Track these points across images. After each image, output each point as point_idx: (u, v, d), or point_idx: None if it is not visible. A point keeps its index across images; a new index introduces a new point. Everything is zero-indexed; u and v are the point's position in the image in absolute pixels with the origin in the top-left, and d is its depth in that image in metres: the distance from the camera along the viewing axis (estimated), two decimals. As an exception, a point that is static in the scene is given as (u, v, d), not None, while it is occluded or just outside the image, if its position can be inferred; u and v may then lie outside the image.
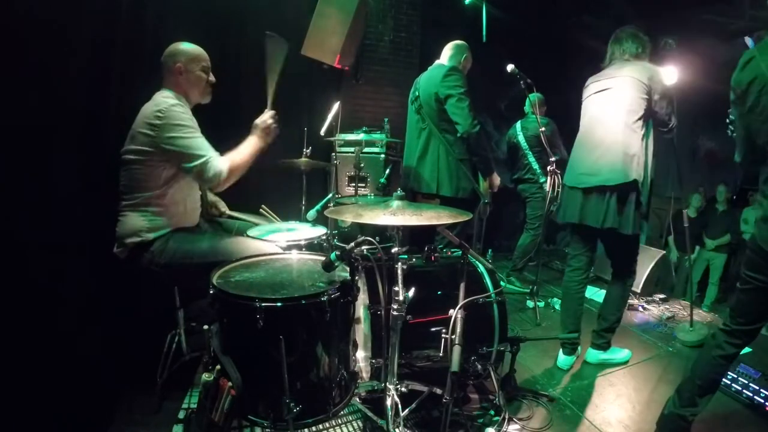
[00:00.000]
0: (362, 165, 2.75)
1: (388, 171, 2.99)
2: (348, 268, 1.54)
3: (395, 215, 1.41)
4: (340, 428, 1.76)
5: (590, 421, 1.95)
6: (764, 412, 2.02)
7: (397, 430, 1.48)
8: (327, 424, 1.74)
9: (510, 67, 2.69)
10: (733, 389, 2.16)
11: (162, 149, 1.67)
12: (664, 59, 2.83)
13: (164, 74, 1.82)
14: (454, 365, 1.33)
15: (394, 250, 1.47)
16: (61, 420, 1.51)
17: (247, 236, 1.97)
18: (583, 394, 2.15)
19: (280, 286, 1.45)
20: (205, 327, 1.46)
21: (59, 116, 1.56)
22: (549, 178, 2.96)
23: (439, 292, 1.90)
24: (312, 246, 2.13)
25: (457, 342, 1.38)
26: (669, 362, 2.53)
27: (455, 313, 1.44)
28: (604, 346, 2.41)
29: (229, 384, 1.32)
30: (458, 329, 1.41)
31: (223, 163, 1.72)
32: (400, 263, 1.43)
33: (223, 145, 1.81)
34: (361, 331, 1.92)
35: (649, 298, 3.61)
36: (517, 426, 1.84)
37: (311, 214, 2.40)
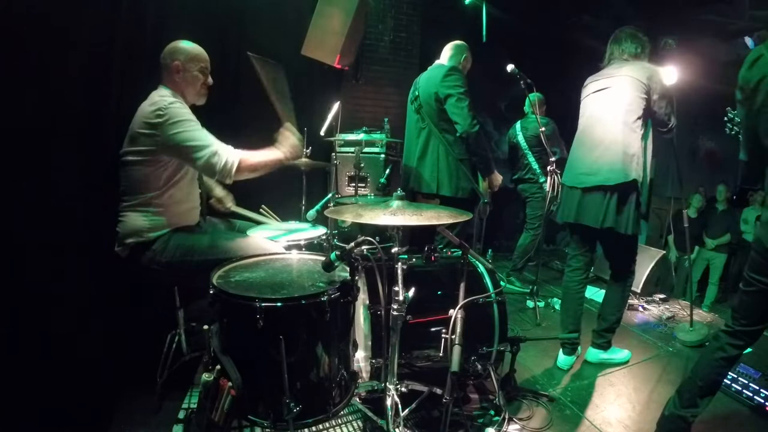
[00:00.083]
0: (362, 165, 2.74)
1: (388, 171, 2.98)
2: (348, 268, 1.53)
3: (395, 215, 1.41)
4: (340, 428, 1.76)
5: (590, 421, 1.95)
6: (764, 412, 2.02)
7: (397, 430, 1.48)
8: (327, 424, 1.74)
9: (510, 67, 2.69)
10: (733, 389, 2.16)
11: (166, 147, 1.65)
12: (664, 59, 2.83)
13: (162, 72, 1.80)
14: (454, 365, 1.33)
15: (394, 250, 1.47)
16: (61, 420, 1.51)
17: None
18: (583, 394, 2.15)
19: (280, 286, 1.45)
20: (205, 327, 1.46)
21: (59, 116, 1.56)
22: (549, 177, 2.97)
23: (439, 292, 1.90)
24: (312, 246, 2.13)
25: (457, 342, 1.38)
26: (669, 362, 2.53)
27: (455, 313, 1.44)
28: (605, 346, 2.41)
29: (229, 384, 1.32)
30: (458, 329, 1.41)
31: (234, 155, 1.69)
32: (400, 263, 1.43)
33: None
34: (361, 331, 1.92)
35: (649, 298, 3.61)
36: (517, 426, 1.84)
37: (311, 214, 2.40)
